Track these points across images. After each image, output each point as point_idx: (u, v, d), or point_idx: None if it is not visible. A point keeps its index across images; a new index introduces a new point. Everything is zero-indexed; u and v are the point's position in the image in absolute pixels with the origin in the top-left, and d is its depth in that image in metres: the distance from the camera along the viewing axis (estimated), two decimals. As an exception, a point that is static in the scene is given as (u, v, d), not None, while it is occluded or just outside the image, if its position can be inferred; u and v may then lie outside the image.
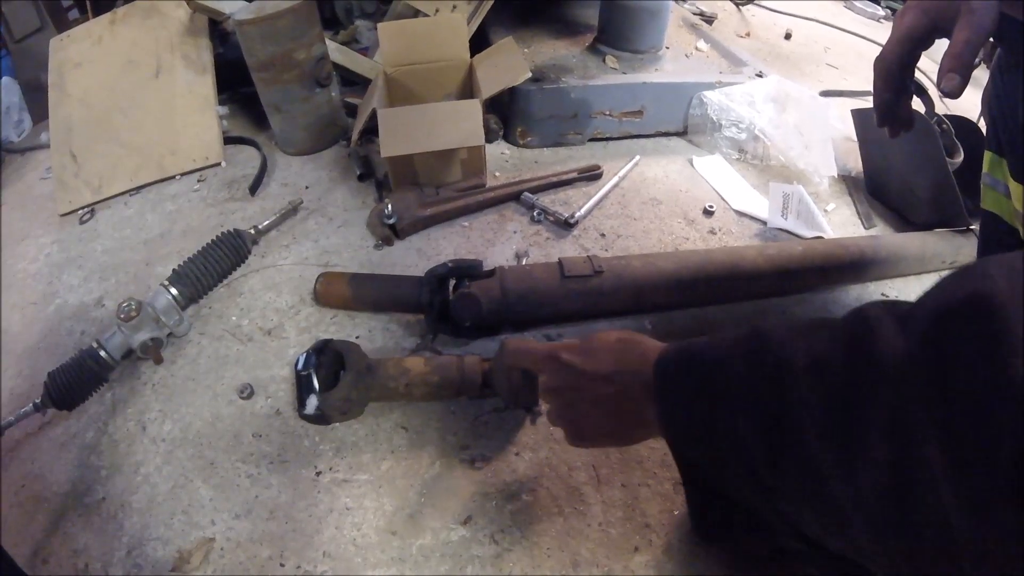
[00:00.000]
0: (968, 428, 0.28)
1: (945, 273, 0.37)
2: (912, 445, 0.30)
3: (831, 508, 0.34)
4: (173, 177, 1.11)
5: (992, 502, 0.27)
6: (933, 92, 0.70)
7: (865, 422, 0.32)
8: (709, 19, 1.59)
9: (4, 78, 1.40)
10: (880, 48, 0.61)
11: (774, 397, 0.37)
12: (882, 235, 1.00)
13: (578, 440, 0.55)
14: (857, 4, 2.02)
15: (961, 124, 0.94)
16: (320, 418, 0.64)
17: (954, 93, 0.51)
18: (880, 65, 0.61)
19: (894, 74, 0.60)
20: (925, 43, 0.58)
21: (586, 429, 0.53)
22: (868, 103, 1.23)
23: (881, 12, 1.98)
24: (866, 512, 0.32)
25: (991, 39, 0.56)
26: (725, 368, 0.41)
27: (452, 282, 0.77)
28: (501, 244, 0.94)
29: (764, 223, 1.00)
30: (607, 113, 1.14)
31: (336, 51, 1.21)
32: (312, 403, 0.62)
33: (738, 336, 0.42)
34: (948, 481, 0.28)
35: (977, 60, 0.52)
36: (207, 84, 1.16)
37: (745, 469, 0.40)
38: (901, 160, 0.99)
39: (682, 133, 1.20)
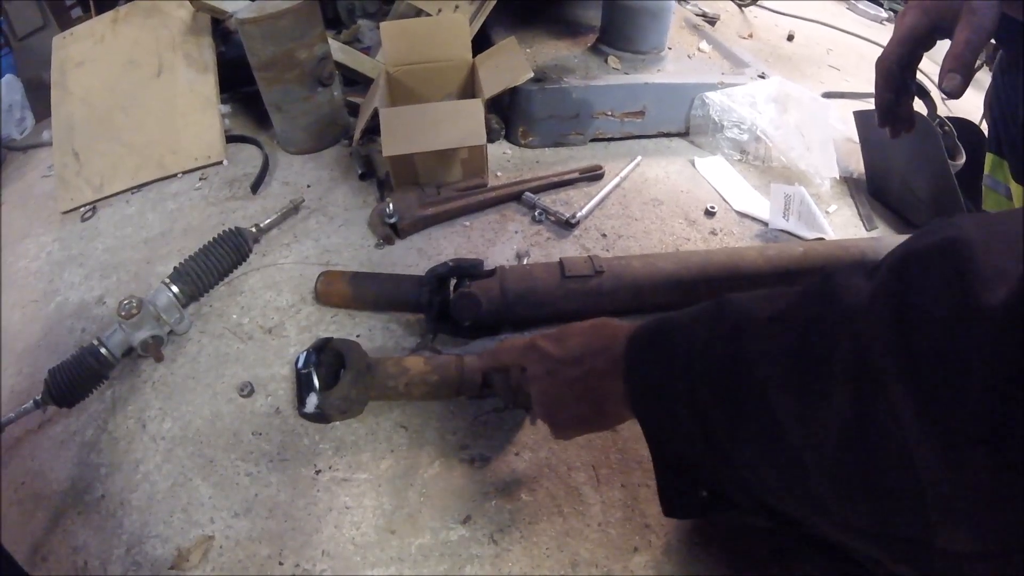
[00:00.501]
0: (935, 364, 0.26)
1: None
2: (876, 385, 0.28)
3: (792, 462, 0.33)
4: (175, 175, 1.11)
5: (960, 441, 0.25)
6: (935, 94, 0.70)
7: (827, 367, 0.31)
8: (711, 20, 1.59)
9: (7, 76, 1.40)
10: (882, 49, 0.61)
11: (733, 354, 0.37)
12: (883, 236, 1.00)
13: (558, 430, 0.54)
14: (859, 5, 2.02)
15: (963, 126, 0.94)
16: (320, 417, 0.64)
17: (955, 93, 0.51)
18: (881, 65, 0.61)
19: (895, 74, 0.60)
20: (926, 43, 0.58)
21: (563, 416, 0.53)
22: (870, 104, 1.22)
23: (883, 14, 1.98)
24: (829, 461, 0.31)
25: (993, 40, 0.56)
26: (687, 334, 0.42)
27: (452, 282, 0.77)
28: (502, 244, 0.94)
29: (765, 224, 1.00)
30: (609, 113, 1.14)
31: (338, 50, 1.21)
32: (312, 402, 0.61)
33: (703, 305, 0.43)
34: (914, 421, 0.27)
35: (979, 62, 0.52)
36: (209, 83, 1.16)
37: (706, 434, 0.39)
38: (903, 162, 0.99)
39: (684, 134, 1.20)
